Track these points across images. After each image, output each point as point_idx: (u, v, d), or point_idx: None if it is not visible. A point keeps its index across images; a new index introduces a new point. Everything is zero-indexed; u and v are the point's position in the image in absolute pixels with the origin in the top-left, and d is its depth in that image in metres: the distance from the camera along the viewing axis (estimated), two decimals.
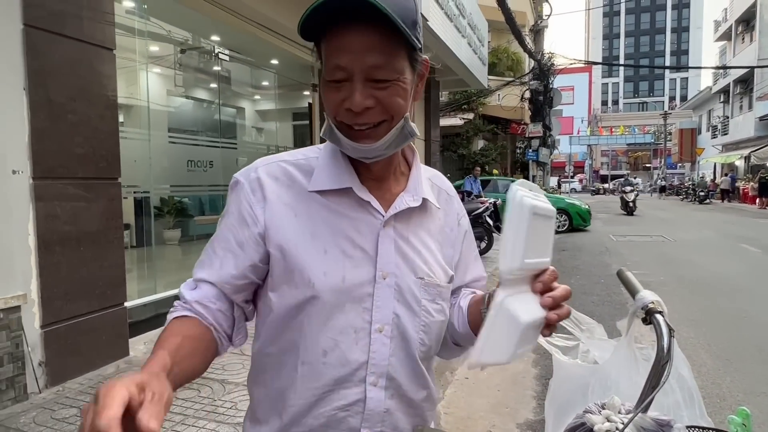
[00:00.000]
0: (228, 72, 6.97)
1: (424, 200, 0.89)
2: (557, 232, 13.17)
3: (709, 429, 0.96)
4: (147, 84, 5.16)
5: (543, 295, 0.75)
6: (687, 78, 78.10)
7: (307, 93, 7.69)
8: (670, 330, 0.91)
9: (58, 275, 3.13)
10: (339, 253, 0.83)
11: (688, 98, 55.96)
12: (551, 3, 18.85)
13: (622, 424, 0.79)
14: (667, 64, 75.87)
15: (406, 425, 0.87)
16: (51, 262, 3.08)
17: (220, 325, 0.83)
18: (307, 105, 7.66)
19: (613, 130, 61.63)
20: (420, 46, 0.79)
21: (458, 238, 0.98)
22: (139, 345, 3.82)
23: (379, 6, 0.69)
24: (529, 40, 18.05)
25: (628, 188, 21.01)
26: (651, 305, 0.94)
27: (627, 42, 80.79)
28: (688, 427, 0.97)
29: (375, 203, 0.85)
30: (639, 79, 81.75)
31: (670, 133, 49.28)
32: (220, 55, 6.46)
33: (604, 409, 0.85)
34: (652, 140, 56.17)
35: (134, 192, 4.97)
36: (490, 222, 8.52)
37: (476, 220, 8.23)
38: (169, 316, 0.81)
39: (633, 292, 0.98)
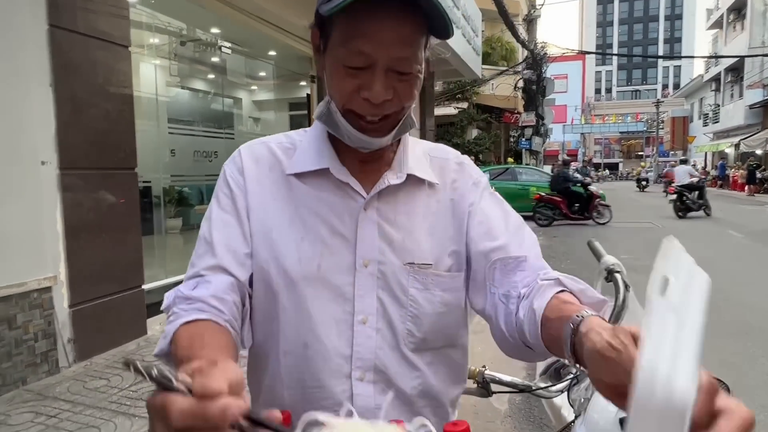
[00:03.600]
0: (225, 62, 7.12)
1: (411, 176, 0.83)
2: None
3: None
4: (156, 76, 5.34)
5: None
6: (680, 66, 78.45)
7: (304, 84, 7.87)
8: (626, 285, 1.16)
9: (84, 259, 3.36)
10: (316, 239, 0.79)
11: (681, 86, 56.37)
12: None
13: None
14: (660, 52, 76.02)
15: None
16: (77, 246, 3.30)
17: (236, 320, 0.75)
18: (305, 96, 7.85)
19: (605, 118, 62.02)
20: (451, 35, 0.73)
21: (475, 201, 0.87)
22: (155, 325, 4.06)
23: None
24: (522, 30, 18.23)
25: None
26: (612, 266, 1.19)
27: (620, 30, 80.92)
28: None
29: (355, 185, 0.80)
30: (632, 67, 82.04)
31: (663, 121, 49.72)
32: (222, 48, 6.62)
33: None
34: (645, 128, 56.62)
35: (142, 182, 5.16)
36: None
37: None
38: (174, 324, 0.69)
39: (599, 257, 1.24)
